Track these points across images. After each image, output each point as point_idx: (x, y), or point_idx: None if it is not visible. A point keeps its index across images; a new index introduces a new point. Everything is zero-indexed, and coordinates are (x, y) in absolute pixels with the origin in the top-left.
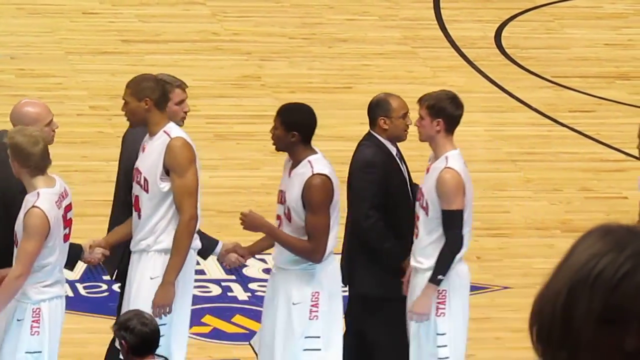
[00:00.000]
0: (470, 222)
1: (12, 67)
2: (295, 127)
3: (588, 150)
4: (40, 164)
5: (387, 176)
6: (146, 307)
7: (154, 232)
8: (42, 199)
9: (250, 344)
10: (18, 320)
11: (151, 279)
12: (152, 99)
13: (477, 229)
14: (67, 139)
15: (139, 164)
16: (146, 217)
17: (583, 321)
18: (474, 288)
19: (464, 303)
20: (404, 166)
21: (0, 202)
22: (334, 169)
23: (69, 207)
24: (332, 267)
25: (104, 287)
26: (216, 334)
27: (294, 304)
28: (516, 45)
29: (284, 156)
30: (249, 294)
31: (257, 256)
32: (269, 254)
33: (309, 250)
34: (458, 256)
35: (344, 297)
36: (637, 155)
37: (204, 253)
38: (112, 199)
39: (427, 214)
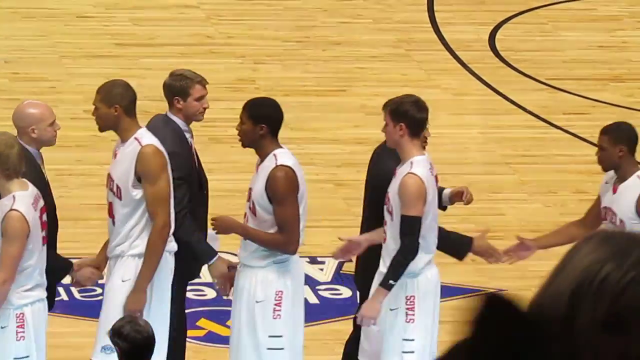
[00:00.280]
0: (435, 228)
1: (6, 71)
2: (263, 120)
3: (582, 152)
4: (17, 167)
5: None
6: (118, 311)
7: (128, 237)
8: (18, 201)
9: None
10: (2, 327)
11: (122, 281)
12: (122, 105)
13: (471, 231)
14: (61, 143)
15: (111, 170)
16: (120, 224)
17: (586, 327)
18: (469, 290)
19: (435, 307)
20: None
21: None
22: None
23: (43, 210)
24: (297, 266)
25: (99, 290)
26: (211, 338)
27: (257, 301)
28: (510, 48)
29: None
30: None
31: None
32: None
33: (283, 243)
34: (426, 260)
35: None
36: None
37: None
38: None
39: (392, 218)
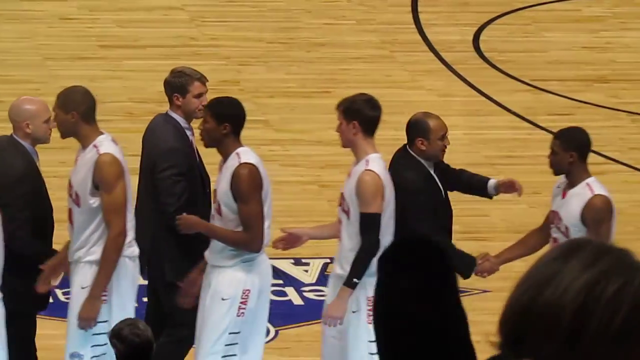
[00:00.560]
0: (391, 226)
1: None
2: (226, 119)
3: None
4: None
5: (428, 198)
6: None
7: (87, 243)
8: None
9: None
10: None
11: (82, 288)
12: (79, 112)
13: (456, 232)
14: (45, 144)
15: (72, 177)
16: (79, 230)
17: (596, 339)
18: None
19: None
20: (442, 185)
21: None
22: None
23: None
24: (264, 264)
25: None
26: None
27: (223, 299)
28: (494, 49)
29: (263, 160)
30: None
31: None
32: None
33: (247, 240)
34: None
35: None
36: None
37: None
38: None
39: (348, 217)
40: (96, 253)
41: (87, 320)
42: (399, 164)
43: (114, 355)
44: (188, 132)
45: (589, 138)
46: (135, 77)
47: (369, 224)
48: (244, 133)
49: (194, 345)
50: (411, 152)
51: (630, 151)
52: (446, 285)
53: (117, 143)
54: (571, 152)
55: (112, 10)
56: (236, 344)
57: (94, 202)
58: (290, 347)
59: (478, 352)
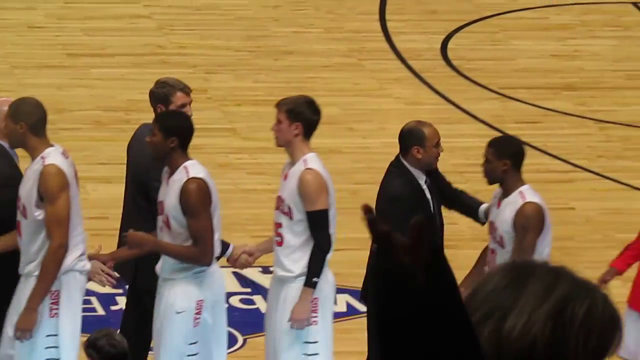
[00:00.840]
0: (334, 225)
1: None
2: (174, 133)
3: (535, 161)
4: None
5: (413, 208)
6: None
7: (36, 257)
8: None
9: None
10: None
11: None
12: (28, 123)
13: None
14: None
15: (20, 189)
16: (27, 243)
17: (576, 355)
18: None
19: (331, 310)
20: (432, 196)
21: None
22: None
23: None
24: (216, 275)
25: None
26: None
27: (177, 312)
28: (462, 57)
29: (231, 168)
30: None
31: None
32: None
33: (198, 255)
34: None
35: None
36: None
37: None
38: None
39: (291, 218)
40: None
41: (24, 332)
42: (391, 172)
43: None
44: None
45: (522, 147)
46: (102, 85)
47: (319, 221)
48: (212, 141)
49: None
50: (404, 162)
51: (598, 159)
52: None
53: (68, 156)
54: (505, 160)
55: (80, 19)
56: (196, 354)
57: (39, 214)
58: (258, 356)
59: None
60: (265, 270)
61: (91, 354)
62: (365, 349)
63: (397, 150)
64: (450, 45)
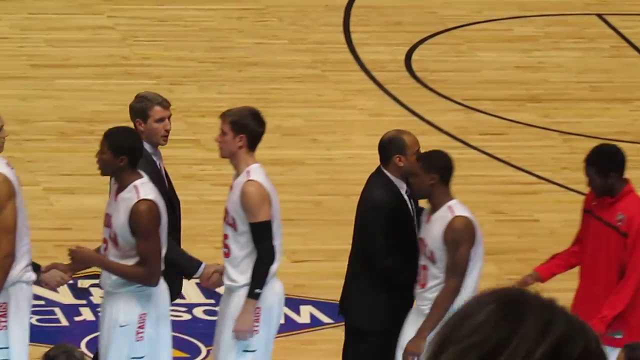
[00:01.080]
0: (279, 235)
1: None
2: (123, 152)
3: (499, 173)
4: None
5: (395, 217)
6: None
7: None
8: None
9: None
10: None
11: None
12: None
13: None
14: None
15: None
16: None
17: None
18: None
19: (278, 320)
20: (412, 204)
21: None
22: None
23: None
24: (160, 289)
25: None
26: None
27: (120, 326)
28: (426, 69)
29: (195, 179)
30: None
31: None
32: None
33: (145, 276)
34: (272, 271)
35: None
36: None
37: (186, 275)
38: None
39: (235, 229)
40: None
41: None
42: (371, 182)
43: None
44: (155, 157)
45: (451, 161)
46: (66, 96)
47: (262, 232)
48: (176, 152)
49: None
50: (385, 172)
51: (563, 171)
52: None
53: (12, 167)
54: (432, 174)
55: (43, 30)
56: None
57: None
58: None
59: None
60: None
61: None
62: None
63: (361, 161)
64: (414, 56)
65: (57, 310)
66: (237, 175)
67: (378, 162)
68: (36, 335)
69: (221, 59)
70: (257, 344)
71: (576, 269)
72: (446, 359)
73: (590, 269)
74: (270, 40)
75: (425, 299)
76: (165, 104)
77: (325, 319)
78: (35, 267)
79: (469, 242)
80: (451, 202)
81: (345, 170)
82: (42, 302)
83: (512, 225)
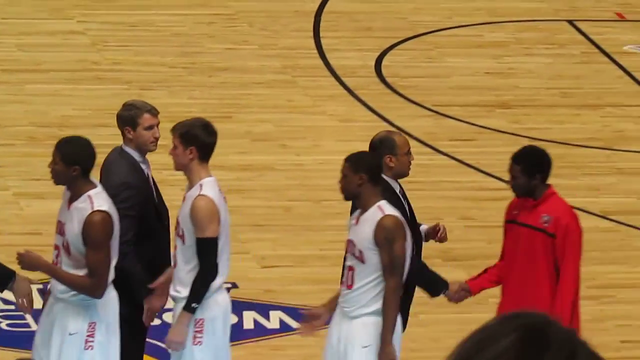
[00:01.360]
0: (227, 249)
1: None
2: (76, 161)
3: (468, 178)
4: None
5: None
6: None
7: None
8: None
9: None
10: None
11: None
12: None
13: None
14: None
15: None
16: None
17: None
18: None
19: (225, 331)
20: (407, 204)
21: None
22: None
23: None
24: (110, 297)
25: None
26: None
27: (70, 334)
28: (396, 74)
29: (165, 185)
30: None
31: None
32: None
33: (91, 287)
34: (217, 284)
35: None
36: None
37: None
38: None
39: (183, 242)
40: None
41: None
42: None
43: None
44: (143, 166)
45: (379, 161)
46: (37, 101)
47: (206, 248)
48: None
49: None
50: None
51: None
52: None
53: None
54: (360, 174)
55: (14, 34)
56: None
57: None
58: None
59: None
60: None
61: None
62: None
63: (331, 167)
64: (384, 62)
65: (27, 315)
66: (190, 187)
67: None
68: (6, 339)
69: (192, 64)
70: (202, 354)
71: None
72: None
73: (520, 276)
74: (240, 45)
75: (351, 300)
76: (154, 111)
77: (294, 324)
78: (9, 274)
79: (402, 239)
80: (380, 203)
81: (315, 175)
82: (12, 307)
83: (482, 231)
